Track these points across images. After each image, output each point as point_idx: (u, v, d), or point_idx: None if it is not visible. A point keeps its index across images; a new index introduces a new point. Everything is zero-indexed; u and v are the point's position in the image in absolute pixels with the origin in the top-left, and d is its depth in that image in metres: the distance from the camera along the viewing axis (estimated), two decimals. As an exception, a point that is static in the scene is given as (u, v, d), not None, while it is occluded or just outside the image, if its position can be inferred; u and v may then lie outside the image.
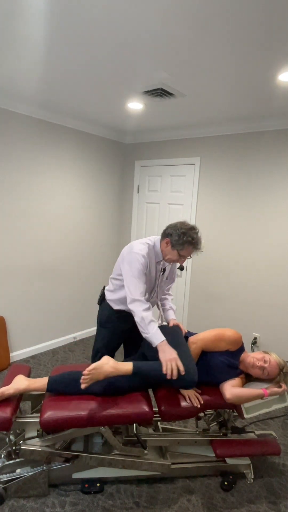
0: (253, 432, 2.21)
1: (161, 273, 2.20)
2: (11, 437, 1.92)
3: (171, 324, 2.23)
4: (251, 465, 2.10)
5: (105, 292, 2.30)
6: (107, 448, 2.02)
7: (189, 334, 2.17)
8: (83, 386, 1.73)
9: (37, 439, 1.89)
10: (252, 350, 3.38)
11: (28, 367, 2.19)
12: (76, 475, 1.95)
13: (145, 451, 1.97)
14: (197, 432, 2.12)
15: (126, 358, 2.26)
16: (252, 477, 2.08)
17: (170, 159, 3.86)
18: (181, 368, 1.77)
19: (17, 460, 1.88)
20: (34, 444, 1.84)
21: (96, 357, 2.33)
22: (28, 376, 2.11)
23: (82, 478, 1.96)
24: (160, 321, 2.33)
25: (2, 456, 1.90)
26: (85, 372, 1.72)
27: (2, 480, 1.85)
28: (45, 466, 1.88)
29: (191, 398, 1.92)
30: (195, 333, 2.12)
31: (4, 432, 1.86)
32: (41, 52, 2.04)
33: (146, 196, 4.13)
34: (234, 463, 2.08)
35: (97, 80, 2.43)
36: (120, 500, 1.90)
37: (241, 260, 3.42)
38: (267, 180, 3.20)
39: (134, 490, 1.97)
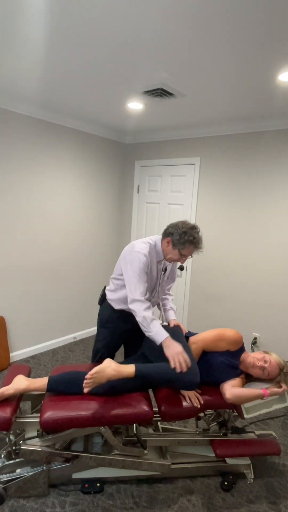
0: (253, 432, 2.21)
1: (162, 272, 2.20)
2: (11, 437, 1.92)
3: (171, 325, 2.23)
4: (251, 465, 2.10)
5: (106, 292, 2.30)
6: (107, 448, 2.02)
7: (189, 334, 2.17)
8: (85, 390, 1.72)
9: (37, 439, 1.88)
10: (252, 350, 3.38)
11: (28, 367, 2.19)
12: (76, 475, 1.95)
13: (145, 451, 1.97)
14: (197, 432, 2.12)
15: (127, 359, 2.26)
16: (252, 477, 2.08)
17: (170, 159, 3.86)
18: (188, 360, 1.79)
19: (17, 460, 1.88)
20: (34, 444, 1.84)
21: (96, 357, 2.33)
22: (28, 376, 2.11)
23: (82, 478, 1.96)
24: (160, 321, 2.33)
25: (2, 456, 1.90)
26: (87, 376, 1.71)
27: (2, 480, 1.85)
28: (45, 466, 1.88)
29: (191, 398, 1.92)
30: (196, 333, 2.12)
31: (4, 432, 1.86)
32: (41, 52, 2.04)
33: (146, 196, 4.13)
34: (234, 463, 2.08)
35: (97, 80, 2.43)
36: (120, 500, 1.90)
37: (241, 260, 3.42)
38: (267, 180, 3.20)
39: (134, 490, 1.97)
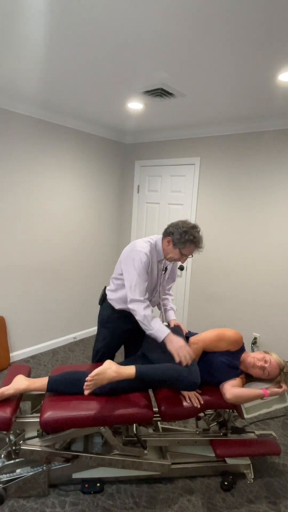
0: (253, 432, 2.21)
1: (163, 272, 2.20)
2: (11, 437, 1.92)
3: (172, 325, 2.23)
4: (251, 465, 2.10)
5: (107, 292, 2.30)
6: (107, 448, 2.02)
7: (189, 334, 2.17)
8: (86, 392, 1.71)
9: (37, 439, 1.88)
10: (252, 350, 3.38)
11: (28, 367, 2.19)
12: (76, 475, 1.95)
13: (145, 451, 1.97)
14: (197, 432, 2.12)
15: (127, 359, 2.26)
16: (252, 477, 2.08)
17: (170, 159, 3.86)
18: (191, 353, 1.83)
19: (17, 460, 1.88)
20: (34, 444, 1.84)
21: (96, 357, 2.33)
22: (28, 376, 2.11)
23: (82, 478, 1.96)
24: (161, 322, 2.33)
25: (2, 456, 1.90)
26: (88, 378, 1.70)
27: (2, 480, 1.85)
28: (45, 466, 1.88)
29: (191, 398, 1.92)
30: (196, 333, 2.12)
31: (4, 432, 1.86)
32: (41, 52, 2.04)
33: (146, 196, 4.13)
34: (234, 463, 2.08)
35: (97, 80, 2.43)
36: (120, 500, 1.90)
37: (241, 260, 3.42)
38: (267, 180, 3.20)
39: (134, 490, 1.97)
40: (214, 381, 2.01)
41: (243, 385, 2.02)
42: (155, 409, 2.25)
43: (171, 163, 3.86)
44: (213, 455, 2.10)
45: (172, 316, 2.31)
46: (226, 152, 3.45)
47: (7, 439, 1.86)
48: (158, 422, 2.30)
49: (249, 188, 3.32)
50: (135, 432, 1.99)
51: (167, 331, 1.91)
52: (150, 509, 1.85)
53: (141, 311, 1.94)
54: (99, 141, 3.94)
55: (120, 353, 3.35)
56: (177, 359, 1.81)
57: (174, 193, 3.87)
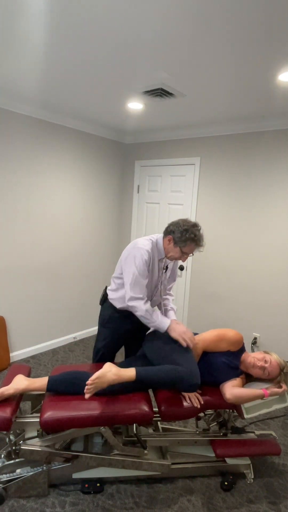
0: (253, 432, 2.21)
1: (164, 270, 2.20)
2: (11, 437, 1.92)
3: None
4: (251, 465, 2.10)
5: (107, 291, 2.30)
6: (107, 448, 2.02)
7: (189, 334, 2.17)
8: (87, 396, 1.71)
9: (37, 439, 1.88)
10: (252, 350, 3.38)
11: (28, 367, 2.19)
12: (76, 475, 1.95)
13: (145, 451, 1.97)
14: (197, 432, 2.12)
15: (127, 359, 2.26)
16: (252, 477, 2.08)
17: (170, 159, 3.86)
18: (193, 337, 1.98)
19: (17, 460, 1.88)
20: (34, 444, 1.84)
21: (96, 357, 2.34)
22: (28, 376, 2.11)
23: (82, 478, 1.96)
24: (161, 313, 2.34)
25: (2, 456, 1.90)
26: (88, 382, 1.70)
27: (2, 480, 1.85)
28: (45, 466, 1.88)
29: (191, 398, 1.92)
30: (196, 334, 2.12)
31: (4, 432, 1.86)
32: (41, 52, 2.04)
33: (146, 196, 4.13)
34: (234, 463, 2.08)
35: (97, 80, 2.43)
36: (120, 500, 1.90)
37: (241, 260, 3.42)
38: (267, 180, 3.20)
39: (134, 490, 1.97)
40: (215, 381, 2.01)
41: (243, 385, 2.02)
42: (155, 409, 2.25)
43: (171, 163, 3.86)
44: (213, 455, 2.10)
45: (172, 316, 2.30)
46: (226, 152, 3.45)
47: (7, 439, 1.86)
48: (158, 422, 2.30)
49: (249, 188, 3.32)
50: (135, 432, 1.99)
51: (169, 321, 2.01)
52: (150, 509, 1.85)
53: (141, 306, 1.99)
54: (99, 141, 3.94)
55: (121, 353, 3.35)
56: (183, 343, 1.93)
57: (174, 193, 3.87)
